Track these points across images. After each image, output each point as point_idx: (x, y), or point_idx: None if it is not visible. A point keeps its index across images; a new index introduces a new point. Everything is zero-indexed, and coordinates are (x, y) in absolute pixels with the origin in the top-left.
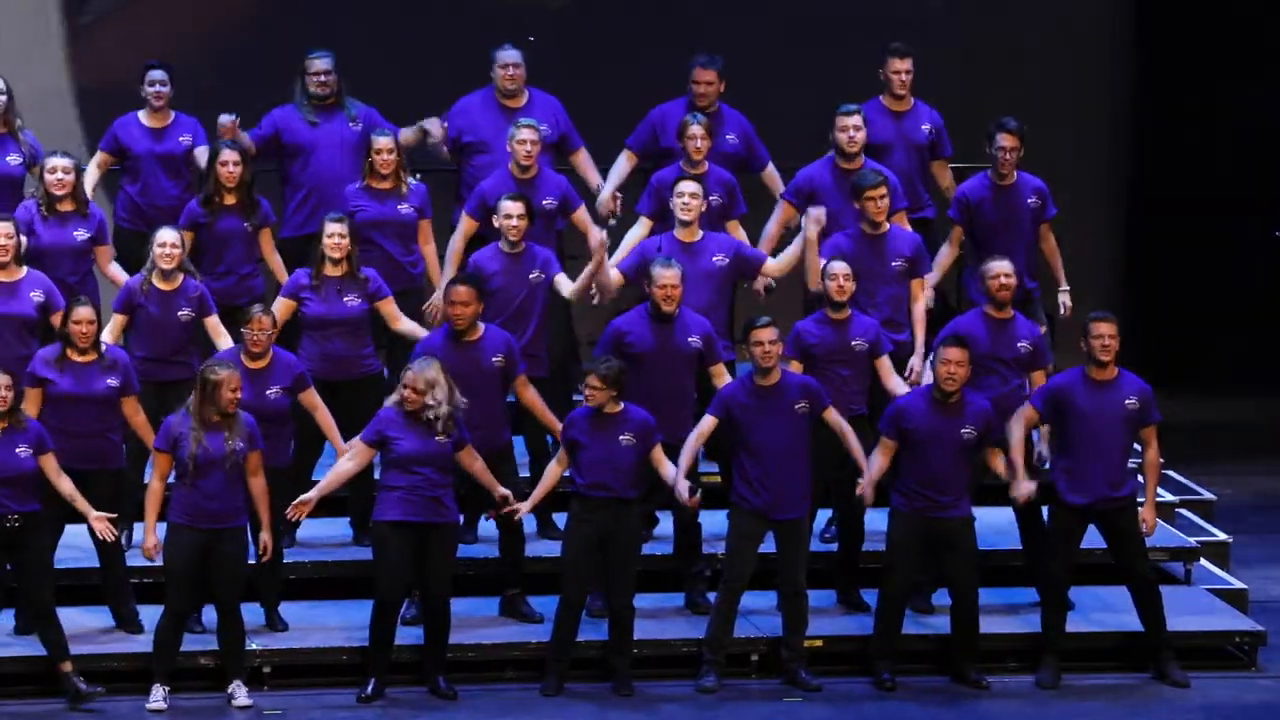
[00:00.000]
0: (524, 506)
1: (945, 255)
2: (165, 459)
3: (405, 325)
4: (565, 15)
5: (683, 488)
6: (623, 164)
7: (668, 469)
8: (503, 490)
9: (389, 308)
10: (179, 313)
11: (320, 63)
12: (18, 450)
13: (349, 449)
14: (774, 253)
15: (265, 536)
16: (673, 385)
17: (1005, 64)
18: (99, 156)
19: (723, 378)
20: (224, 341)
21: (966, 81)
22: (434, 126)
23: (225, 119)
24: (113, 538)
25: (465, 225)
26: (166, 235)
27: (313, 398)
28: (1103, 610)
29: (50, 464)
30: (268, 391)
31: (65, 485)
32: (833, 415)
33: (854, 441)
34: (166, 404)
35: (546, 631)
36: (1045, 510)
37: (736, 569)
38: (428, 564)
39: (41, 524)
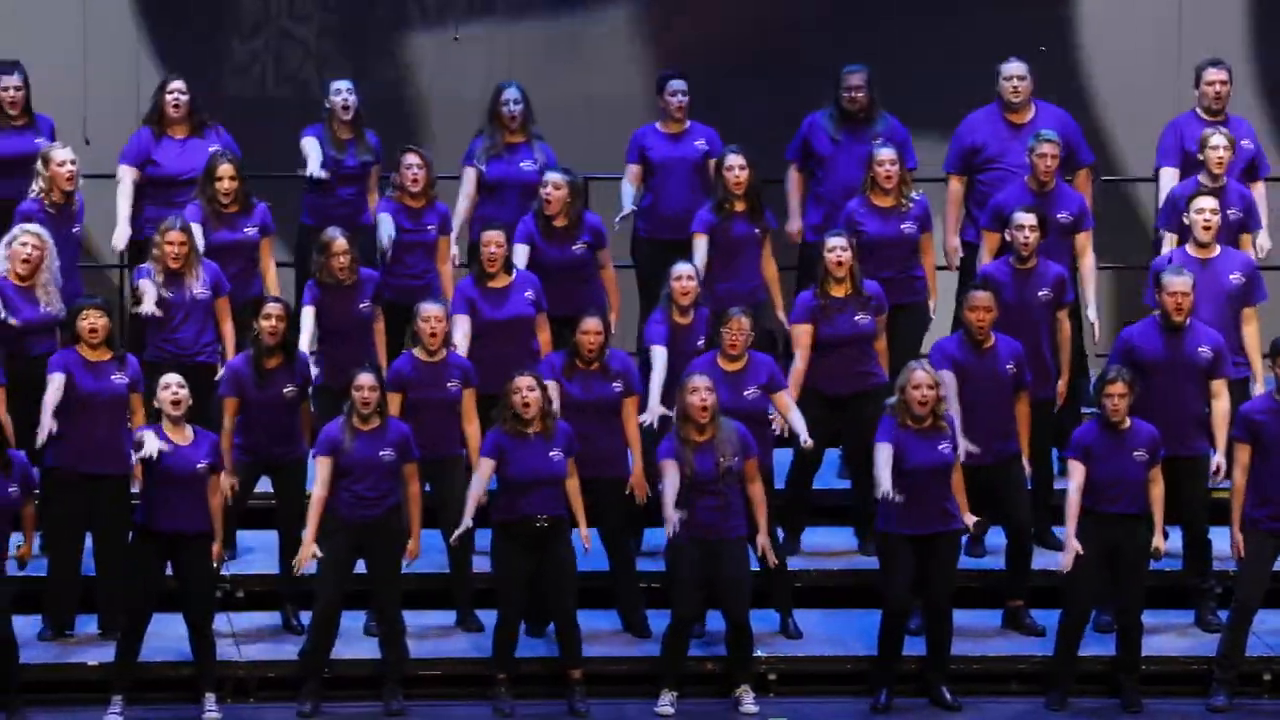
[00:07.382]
0: None
1: None
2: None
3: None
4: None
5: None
6: (1166, 181)
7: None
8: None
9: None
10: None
11: (853, 78)
12: (550, 454)
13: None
14: None
15: (763, 540)
16: (1180, 397)
17: None
18: (630, 170)
19: (1223, 396)
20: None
21: None
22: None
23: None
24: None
25: (986, 240)
26: (682, 269)
27: (784, 399)
28: None
29: (572, 466)
30: (745, 393)
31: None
32: None
33: None
34: None
35: (1049, 645)
36: None
37: (1249, 588)
38: (931, 572)
39: (566, 530)
